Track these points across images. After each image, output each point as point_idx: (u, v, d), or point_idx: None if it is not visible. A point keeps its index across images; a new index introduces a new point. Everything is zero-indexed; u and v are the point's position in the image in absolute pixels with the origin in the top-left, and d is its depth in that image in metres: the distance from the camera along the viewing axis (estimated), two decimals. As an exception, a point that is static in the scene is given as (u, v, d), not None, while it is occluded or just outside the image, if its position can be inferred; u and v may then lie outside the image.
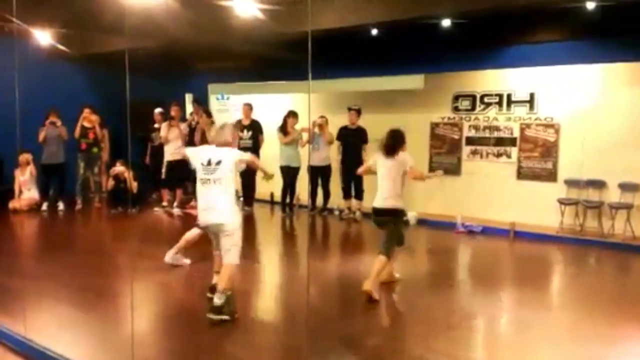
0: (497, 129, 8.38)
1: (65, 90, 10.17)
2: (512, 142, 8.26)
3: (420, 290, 5.48)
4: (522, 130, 8.17)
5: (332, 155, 8.96)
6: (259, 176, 9.26)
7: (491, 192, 8.40)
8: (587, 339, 4.24)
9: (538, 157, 8.06)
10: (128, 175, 9.02)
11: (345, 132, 8.80)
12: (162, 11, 6.54)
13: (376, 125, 8.04)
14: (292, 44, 7.16)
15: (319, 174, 8.96)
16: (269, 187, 9.90)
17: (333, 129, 8.93)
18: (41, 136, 9.15)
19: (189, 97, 11.15)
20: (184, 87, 11.35)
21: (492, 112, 8.41)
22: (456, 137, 8.76)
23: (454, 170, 8.77)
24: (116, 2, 5.40)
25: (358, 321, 4.61)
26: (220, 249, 4.66)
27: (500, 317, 4.87)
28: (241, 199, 8.90)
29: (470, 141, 8.65)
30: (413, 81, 8.48)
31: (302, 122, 8.91)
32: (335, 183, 9.01)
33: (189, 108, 10.84)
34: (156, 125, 9.62)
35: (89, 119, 9.50)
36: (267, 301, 5.38)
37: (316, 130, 8.80)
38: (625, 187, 7.36)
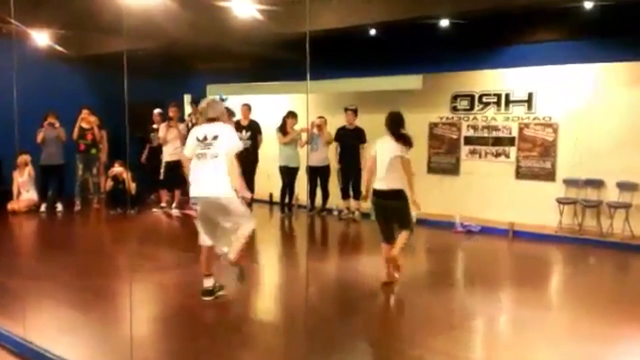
0: (496, 128, 8.39)
1: (64, 92, 10.16)
2: (510, 141, 8.27)
3: (419, 290, 5.48)
4: (520, 129, 8.18)
5: (331, 155, 8.97)
6: (258, 176, 9.32)
7: (490, 192, 8.40)
8: (586, 339, 4.24)
9: (536, 157, 8.06)
10: (126, 176, 9.01)
11: (343, 133, 8.80)
12: (160, 12, 6.54)
13: (374, 126, 8.03)
14: (291, 45, 7.16)
15: (318, 174, 8.96)
16: (268, 187, 9.91)
17: (332, 129, 8.94)
18: (40, 137, 9.15)
19: (187, 98, 11.13)
20: (183, 87, 11.33)
21: (491, 111, 8.42)
22: (455, 137, 8.76)
23: (452, 170, 8.79)
24: (114, 3, 5.39)
25: (357, 321, 4.61)
26: (227, 223, 4.56)
27: (500, 317, 4.87)
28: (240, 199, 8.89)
29: (468, 141, 8.65)
30: (411, 81, 8.49)
31: (301, 123, 8.91)
32: (334, 183, 9.01)
33: (188, 109, 10.84)
34: (155, 126, 9.62)
35: (87, 120, 9.49)
36: (266, 302, 5.38)
37: (315, 130, 8.80)
38: (623, 186, 7.37)
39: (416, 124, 8.62)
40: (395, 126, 5.30)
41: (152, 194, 10.06)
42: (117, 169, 9.22)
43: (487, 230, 7.93)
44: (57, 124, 9.27)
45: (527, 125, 8.12)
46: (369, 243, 7.63)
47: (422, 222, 8.49)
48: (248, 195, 5.06)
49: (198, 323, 4.58)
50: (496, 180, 8.37)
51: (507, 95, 8.27)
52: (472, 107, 8.58)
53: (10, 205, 9.14)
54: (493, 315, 4.87)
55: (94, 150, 9.61)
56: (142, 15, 6.10)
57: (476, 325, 4.62)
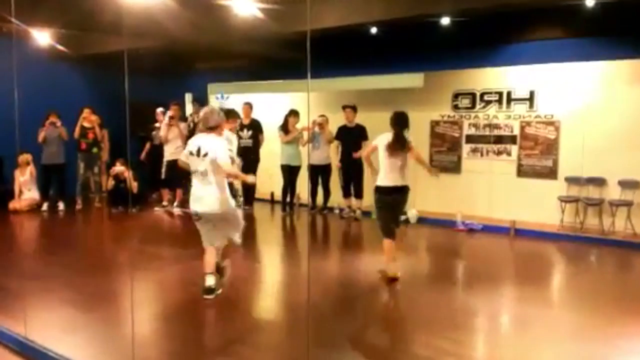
0: (497, 126, 8.38)
1: (65, 91, 10.18)
2: (512, 139, 8.26)
3: (421, 289, 5.48)
4: (522, 128, 8.16)
5: (333, 154, 8.96)
6: (260, 174, 9.32)
7: (491, 190, 8.39)
8: (588, 337, 4.24)
9: (538, 155, 8.05)
10: (128, 175, 9.02)
11: (344, 132, 8.79)
12: (161, 11, 6.53)
13: (376, 124, 8.02)
14: (292, 43, 7.16)
15: (319, 172, 8.96)
16: (270, 186, 9.92)
17: (333, 128, 8.93)
18: (41, 136, 9.16)
19: (188, 97, 11.15)
20: (184, 86, 11.34)
21: (492, 110, 8.40)
22: (456, 135, 8.75)
23: (454, 168, 8.78)
24: (115, 2, 5.39)
25: (359, 320, 4.61)
26: (224, 232, 4.92)
27: (502, 316, 4.87)
28: (241, 198, 8.89)
29: (470, 139, 8.64)
30: (413, 79, 8.47)
31: (302, 121, 8.91)
32: (336, 182, 9.01)
33: (189, 108, 10.84)
34: (157, 125, 9.62)
35: (88, 119, 9.50)
36: (268, 300, 5.37)
37: (316, 129, 8.80)
38: (625, 184, 7.35)
39: (418, 122, 8.59)
40: (401, 125, 5.37)
41: (153, 193, 10.07)
42: (119, 168, 9.23)
43: (489, 229, 7.92)
44: (59, 123, 9.28)
45: (528, 124, 8.11)
46: (370, 241, 7.63)
47: (424, 220, 8.51)
48: (251, 179, 5.28)
49: (200, 322, 4.59)
50: (498, 179, 8.36)
51: (508, 93, 8.25)
52: (473, 106, 8.57)
53: (12, 205, 9.16)
54: (495, 313, 4.87)
55: (95, 149, 9.62)
56: (143, 14, 6.10)
57: (479, 323, 4.61)
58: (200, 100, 10.39)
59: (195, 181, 4.82)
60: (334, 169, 9.00)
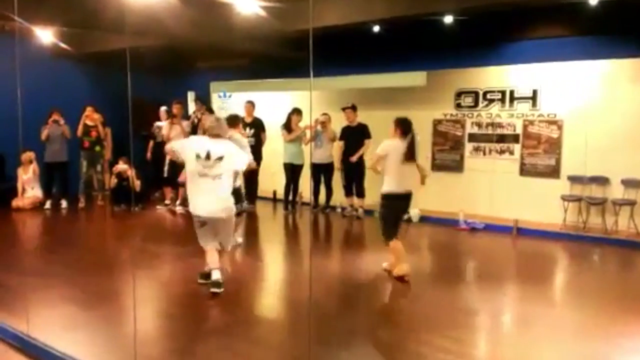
0: (500, 125, 8.36)
1: (68, 89, 10.19)
2: (515, 138, 8.24)
3: (423, 287, 5.48)
4: (525, 126, 8.14)
5: (337, 154, 8.94)
6: (262, 173, 9.33)
7: (494, 189, 8.38)
8: (591, 336, 4.23)
9: (541, 154, 8.03)
10: (131, 173, 9.03)
11: (348, 132, 8.77)
12: (163, 9, 6.53)
13: (378, 123, 8.03)
14: (294, 42, 7.17)
15: (322, 171, 8.96)
16: (272, 184, 9.92)
17: (336, 126, 8.93)
18: (44, 135, 9.18)
19: (191, 95, 11.15)
20: (186, 85, 11.35)
21: (495, 108, 8.39)
22: (459, 134, 8.74)
23: (456, 167, 8.76)
24: (117, 0, 5.40)
25: (361, 317, 4.61)
26: (218, 237, 5.02)
27: (504, 314, 4.87)
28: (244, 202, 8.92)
29: (472, 138, 8.63)
30: (415, 78, 8.46)
31: (305, 120, 8.90)
32: (338, 181, 9.00)
33: (191, 106, 10.85)
34: (160, 123, 9.63)
35: (91, 117, 9.51)
36: (270, 298, 5.38)
37: (319, 127, 8.80)
38: (628, 183, 7.33)
39: (420, 121, 8.60)
40: (411, 132, 5.47)
41: (156, 192, 10.08)
42: (122, 166, 9.24)
43: (491, 228, 7.91)
44: (62, 121, 9.30)
45: (531, 122, 8.09)
46: (372, 240, 7.63)
47: (426, 219, 8.51)
48: (254, 164, 5.62)
49: (202, 320, 4.59)
50: (500, 178, 8.34)
51: (511, 92, 8.23)
52: (476, 104, 8.55)
53: (15, 202, 9.18)
54: (497, 312, 4.87)
55: (98, 148, 9.64)
56: (145, 12, 6.10)
57: (481, 322, 4.61)
58: (203, 99, 10.39)
59: (200, 183, 4.76)
60: (336, 168, 8.99)
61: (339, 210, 9.13)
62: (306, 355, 3.61)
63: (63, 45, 9.28)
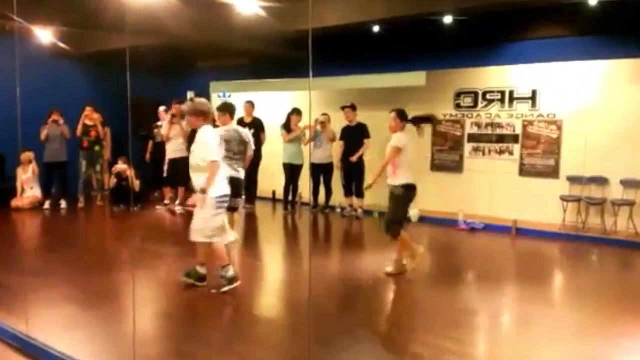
0: (499, 125, 8.36)
1: (67, 89, 10.18)
2: (514, 138, 8.24)
3: (423, 287, 5.48)
4: (524, 127, 8.15)
5: (336, 154, 8.95)
6: (261, 173, 9.33)
7: (493, 189, 8.38)
8: (590, 336, 4.23)
9: (540, 154, 8.04)
10: (130, 173, 9.03)
11: (348, 131, 8.78)
12: (163, 8, 6.53)
13: (377, 123, 8.04)
14: (294, 42, 7.17)
15: (321, 171, 8.96)
16: (272, 184, 9.92)
17: (335, 126, 8.93)
18: (43, 134, 9.17)
19: (190, 95, 11.14)
20: (186, 84, 11.33)
21: (494, 108, 8.39)
22: (458, 134, 8.74)
23: (456, 167, 8.77)
24: (117, -1, 5.40)
25: (361, 317, 4.60)
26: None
27: (503, 314, 4.87)
28: (243, 196, 8.91)
29: (472, 138, 8.63)
30: (415, 78, 8.45)
31: (304, 120, 8.91)
32: (337, 181, 9.00)
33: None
34: (159, 123, 9.63)
35: (90, 117, 9.50)
36: (269, 298, 5.38)
37: (318, 127, 8.80)
38: (627, 183, 7.34)
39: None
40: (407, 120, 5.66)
41: (155, 191, 10.07)
42: (121, 166, 9.23)
43: (491, 228, 7.92)
44: (61, 121, 9.29)
45: (530, 123, 8.09)
46: (371, 240, 7.64)
47: (425, 219, 8.50)
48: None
49: (201, 319, 4.59)
50: (500, 178, 8.35)
51: (510, 92, 8.24)
52: (475, 104, 8.56)
53: (14, 202, 9.17)
54: (497, 312, 4.87)
55: (97, 147, 9.62)
56: (145, 11, 6.10)
57: (480, 322, 4.61)
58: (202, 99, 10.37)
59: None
60: (335, 168, 8.99)
61: (338, 210, 9.13)
62: (305, 355, 3.61)
63: (62, 44, 9.27)
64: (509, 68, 8.23)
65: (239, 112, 9.87)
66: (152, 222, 8.68)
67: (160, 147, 9.51)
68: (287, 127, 9.01)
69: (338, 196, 9.09)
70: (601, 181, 7.54)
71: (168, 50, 9.84)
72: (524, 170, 8.19)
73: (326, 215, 9.03)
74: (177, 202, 9.21)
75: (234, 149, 5.79)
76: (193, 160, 4.92)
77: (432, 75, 8.42)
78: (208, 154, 4.78)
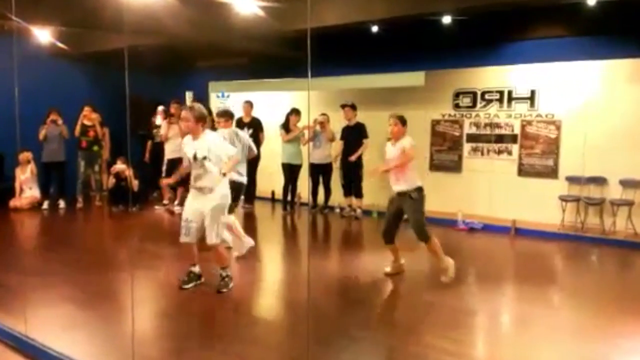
0: (498, 126, 8.37)
1: (65, 89, 10.16)
2: (513, 139, 8.24)
3: (422, 287, 5.48)
4: (523, 127, 8.15)
5: (336, 154, 8.94)
6: (260, 173, 9.32)
7: (492, 189, 8.39)
8: (589, 337, 4.23)
9: (539, 154, 8.04)
10: (129, 173, 9.01)
11: (347, 131, 8.77)
12: (161, 8, 6.53)
13: (376, 123, 8.04)
14: (292, 42, 7.16)
15: (320, 171, 8.96)
16: (271, 184, 9.91)
17: (334, 126, 8.93)
18: (42, 134, 9.16)
19: (189, 95, 11.14)
20: (184, 84, 11.33)
21: (493, 109, 8.39)
22: (457, 134, 8.74)
23: (454, 167, 8.77)
24: (116, -1, 5.38)
25: (360, 318, 4.60)
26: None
27: (503, 315, 4.87)
28: (242, 196, 8.91)
29: (471, 138, 8.63)
30: (414, 78, 8.46)
31: (303, 120, 8.90)
32: (336, 181, 9.00)
33: (190, 106, 10.82)
34: (158, 123, 9.62)
35: (89, 117, 9.49)
36: (268, 299, 5.38)
37: (317, 128, 8.80)
38: (626, 183, 7.34)
39: (418, 121, 8.63)
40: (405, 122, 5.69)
41: (154, 192, 10.06)
42: (119, 166, 9.22)
43: (490, 228, 7.92)
44: (60, 121, 9.28)
45: (529, 123, 8.09)
46: (370, 240, 7.63)
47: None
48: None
49: (200, 320, 4.58)
50: (498, 178, 8.35)
51: (509, 93, 8.24)
52: (474, 105, 8.56)
53: (13, 203, 9.16)
54: (496, 313, 4.87)
55: (96, 148, 9.61)
56: (144, 11, 6.09)
57: (479, 322, 4.61)
58: (202, 99, 10.37)
59: None
60: (335, 168, 8.99)
61: (337, 210, 9.13)
62: (305, 356, 3.61)
63: (61, 44, 9.25)
64: (507, 68, 8.23)
65: (238, 113, 9.92)
66: (151, 223, 8.67)
67: (159, 147, 9.51)
68: (286, 127, 9.01)
69: (337, 196, 9.09)
70: (600, 181, 7.54)
71: (167, 50, 9.83)
72: (523, 171, 8.19)
73: (325, 216, 9.02)
74: (176, 202, 9.20)
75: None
76: (205, 161, 4.90)
77: (431, 76, 8.42)
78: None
